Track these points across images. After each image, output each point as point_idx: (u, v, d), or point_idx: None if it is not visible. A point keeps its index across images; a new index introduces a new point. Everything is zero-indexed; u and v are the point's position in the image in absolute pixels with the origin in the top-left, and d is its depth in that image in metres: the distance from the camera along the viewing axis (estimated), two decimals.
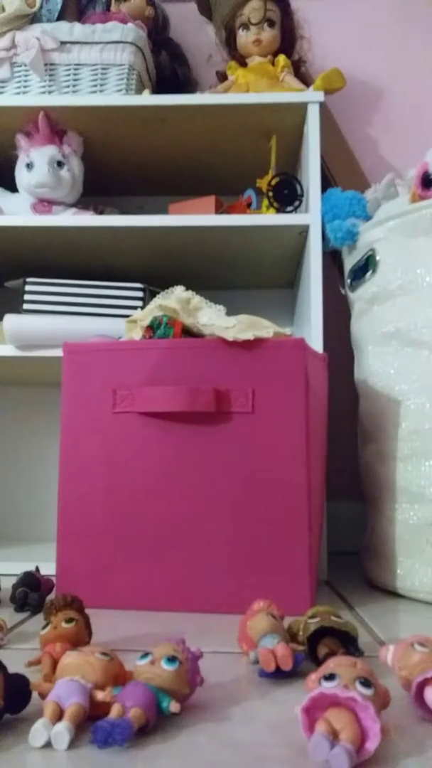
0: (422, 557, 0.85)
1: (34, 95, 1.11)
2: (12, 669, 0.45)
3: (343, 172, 1.27)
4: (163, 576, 0.78)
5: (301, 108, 1.07)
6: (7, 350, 1.05)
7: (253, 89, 1.14)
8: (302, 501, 0.77)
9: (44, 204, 1.10)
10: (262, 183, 1.08)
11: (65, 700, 0.43)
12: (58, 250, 1.16)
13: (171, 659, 0.45)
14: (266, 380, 0.79)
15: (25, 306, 1.07)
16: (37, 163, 1.08)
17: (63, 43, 1.10)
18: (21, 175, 1.11)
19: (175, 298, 0.85)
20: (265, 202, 1.07)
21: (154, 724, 0.43)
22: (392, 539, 0.90)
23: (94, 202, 1.20)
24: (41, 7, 1.12)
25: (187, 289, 0.87)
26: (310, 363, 0.81)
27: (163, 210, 1.16)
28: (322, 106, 1.07)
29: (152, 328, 0.84)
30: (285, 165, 1.19)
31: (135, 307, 1.06)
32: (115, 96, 1.09)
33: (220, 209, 1.10)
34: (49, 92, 1.11)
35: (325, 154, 1.22)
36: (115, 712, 0.42)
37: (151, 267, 1.22)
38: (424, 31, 1.39)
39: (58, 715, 0.42)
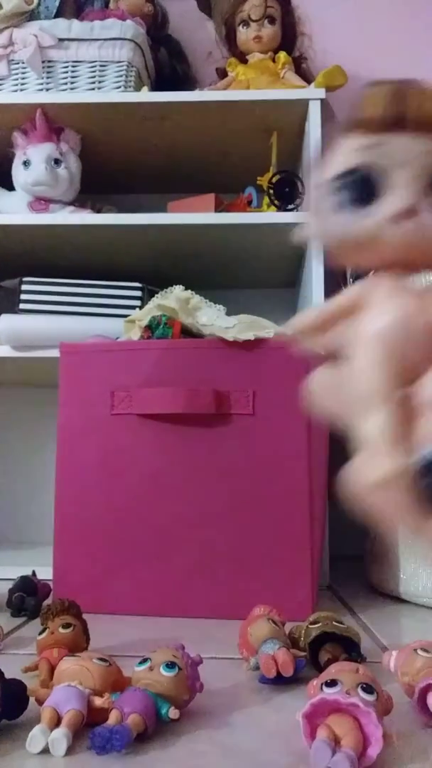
0: (425, 562, 0.85)
1: (32, 92, 1.10)
2: (9, 674, 0.45)
3: None
4: (162, 581, 0.78)
5: (302, 105, 1.06)
6: (4, 351, 1.04)
7: (254, 86, 1.14)
8: (304, 504, 0.76)
9: (41, 202, 1.09)
10: (263, 181, 1.07)
11: (63, 706, 0.42)
12: (56, 248, 1.15)
13: (170, 665, 0.45)
14: (267, 381, 0.78)
15: (22, 306, 1.06)
16: (35, 161, 1.07)
17: (61, 40, 1.09)
18: (18, 173, 1.10)
19: (174, 298, 0.84)
20: (266, 200, 1.07)
21: (153, 730, 0.43)
22: (395, 543, 0.89)
23: (91, 200, 1.19)
24: (39, 4, 1.12)
25: (187, 288, 0.86)
26: (311, 364, 0.80)
27: (162, 208, 1.15)
28: (324, 103, 1.07)
29: (151, 328, 0.84)
30: (286, 162, 1.18)
31: (133, 307, 1.05)
32: (114, 93, 1.09)
33: (219, 207, 1.09)
34: (47, 89, 1.10)
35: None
36: (113, 718, 0.41)
37: (150, 266, 1.21)
38: (425, 27, 1.39)
39: (56, 721, 0.42)
